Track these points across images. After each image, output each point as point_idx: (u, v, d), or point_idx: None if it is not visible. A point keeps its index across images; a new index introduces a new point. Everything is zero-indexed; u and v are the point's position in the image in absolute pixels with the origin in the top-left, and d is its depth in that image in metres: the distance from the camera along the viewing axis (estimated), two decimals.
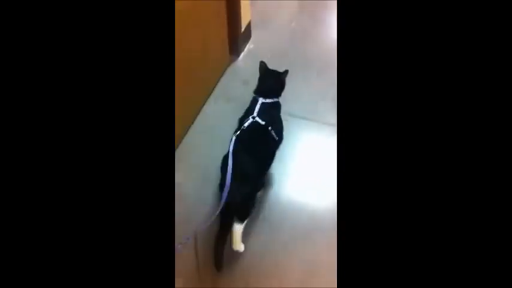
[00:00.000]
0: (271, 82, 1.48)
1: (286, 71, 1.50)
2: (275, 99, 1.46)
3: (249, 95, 1.49)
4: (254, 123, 1.34)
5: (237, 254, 1.28)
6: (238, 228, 1.24)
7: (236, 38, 2.03)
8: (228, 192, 1.17)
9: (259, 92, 1.46)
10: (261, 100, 1.40)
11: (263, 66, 1.51)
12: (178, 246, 0.99)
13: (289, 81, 1.53)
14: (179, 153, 1.61)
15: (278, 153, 1.45)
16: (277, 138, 1.39)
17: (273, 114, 1.42)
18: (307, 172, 1.59)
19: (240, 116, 1.44)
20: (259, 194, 1.38)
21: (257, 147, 1.31)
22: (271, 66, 1.53)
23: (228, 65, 2.07)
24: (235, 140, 1.28)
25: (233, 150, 1.25)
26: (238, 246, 1.25)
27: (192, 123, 1.78)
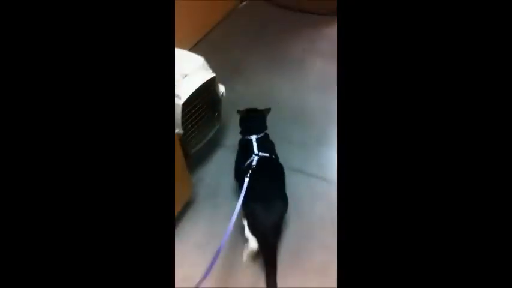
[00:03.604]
0: (256, 119, 1.52)
1: (269, 109, 1.57)
2: (265, 132, 1.50)
3: None
4: (261, 159, 1.37)
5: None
6: (253, 247, 1.23)
7: None
8: (255, 229, 1.20)
9: (248, 131, 1.48)
10: (254, 137, 1.44)
11: (242, 112, 1.55)
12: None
13: None
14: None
15: None
16: (281, 163, 1.45)
17: (269, 145, 1.48)
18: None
19: (234, 163, 1.48)
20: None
21: (271, 177, 1.35)
22: None
23: None
24: (249, 180, 1.27)
25: (249, 187, 1.25)
26: (246, 258, 1.30)
27: None
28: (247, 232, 1.21)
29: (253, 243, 1.20)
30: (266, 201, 1.23)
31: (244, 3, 2.80)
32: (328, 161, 1.69)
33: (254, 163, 1.34)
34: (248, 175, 1.28)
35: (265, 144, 1.45)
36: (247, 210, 1.23)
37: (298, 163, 1.65)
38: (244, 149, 1.45)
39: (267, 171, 1.35)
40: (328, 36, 2.42)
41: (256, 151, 1.39)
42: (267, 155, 1.39)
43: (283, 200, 1.29)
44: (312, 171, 1.63)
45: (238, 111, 1.56)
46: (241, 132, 1.51)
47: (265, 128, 1.52)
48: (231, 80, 1.98)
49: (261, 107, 1.54)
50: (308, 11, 2.59)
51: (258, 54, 2.32)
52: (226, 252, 1.31)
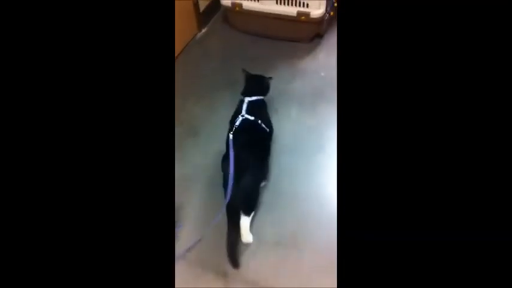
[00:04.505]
0: (256, 83, 1.63)
1: (270, 78, 1.67)
2: (260, 97, 1.57)
3: None
4: (244, 120, 1.43)
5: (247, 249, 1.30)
6: (245, 221, 1.27)
7: None
8: (231, 189, 1.24)
9: (245, 92, 1.58)
10: (246, 99, 1.52)
11: (247, 73, 1.66)
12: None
13: None
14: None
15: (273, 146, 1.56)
16: (267, 130, 1.49)
17: (260, 110, 1.53)
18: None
19: (229, 118, 1.52)
20: (262, 185, 1.43)
21: (252, 141, 1.39)
22: None
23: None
24: (232, 138, 1.36)
25: (232, 148, 1.32)
26: (247, 238, 1.27)
27: None
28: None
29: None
30: (240, 170, 1.28)
31: (203, 31, 2.42)
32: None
33: (237, 123, 1.41)
34: (231, 133, 1.37)
35: (257, 109, 1.50)
36: (223, 166, 1.35)
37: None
38: (237, 109, 1.52)
39: (248, 134, 1.40)
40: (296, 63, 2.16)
41: (243, 112, 1.45)
42: (252, 118, 1.44)
43: (258, 168, 1.37)
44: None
45: (243, 70, 1.67)
46: (241, 92, 1.60)
47: (261, 93, 1.59)
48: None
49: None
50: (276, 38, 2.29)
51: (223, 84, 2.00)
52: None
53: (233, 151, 1.31)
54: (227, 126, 1.47)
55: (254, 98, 1.54)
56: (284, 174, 1.54)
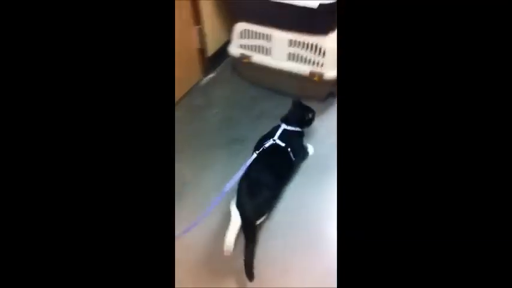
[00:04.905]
0: (297, 112, 1.60)
1: (314, 112, 1.64)
2: (297, 128, 1.56)
3: None
4: (274, 145, 1.43)
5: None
6: (235, 225, 1.24)
7: None
8: (239, 204, 1.26)
9: (285, 120, 1.56)
10: (283, 126, 1.52)
11: (296, 101, 1.63)
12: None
13: None
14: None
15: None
16: (293, 159, 1.49)
17: (292, 140, 1.50)
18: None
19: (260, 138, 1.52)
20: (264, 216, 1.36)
21: (275, 164, 1.39)
22: None
23: None
24: (255, 157, 1.37)
25: (250, 164, 1.34)
26: (227, 245, 1.22)
27: None
28: (232, 204, 1.29)
29: (234, 216, 1.25)
30: (256, 185, 1.30)
31: (210, 76, 2.26)
32: None
33: (266, 145, 1.41)
34: (256, 152, 1.38)
35: (291, 138, 1.49)
36: (239, 184, 1.31)
37: None
38: (271, 132, 1.51)
39: (274, 159, 1.41)
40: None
41: (275, 137, 1.45)
42: (283, 144, 1.44)
43: (274, 191, 1.37)
44: None
45: (293, 100, 1.64)
46: (281, 118, 1.59)
47: (301, 125, 1.59)
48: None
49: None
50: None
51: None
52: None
53: (249, 168, 1.32)
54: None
55: (291, 127, 1.52)
56: None
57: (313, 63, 1.84)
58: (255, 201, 1.26)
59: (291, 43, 1.86)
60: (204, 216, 1.20)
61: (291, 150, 1.46)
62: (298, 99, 1.64)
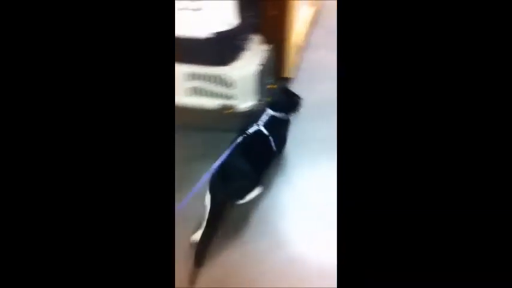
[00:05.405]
0: (285, 99, 1.48)
1: (301, 98, 1.53)
2: (283, 115, 1.45)
3: None
4: (257, 131, 1.37)
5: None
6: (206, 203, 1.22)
7: None
8: (210, 186, 1.23)
9: (272, 105, 1.44)
10: (269, 112, 1.41)
11: (283, 87, 1.55)
12: None
13: None
14: None
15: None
16: (275, 150, 1.44)
17: (278, 128, 1.45)
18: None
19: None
20: (249, 195, 1.33)
21: (253, 152, 1.34)
22: None
23: None
24: (236, 144, 1.31)
25: (230, 152, 1.29)
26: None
27: None
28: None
29: (207, 199, 1.23)
30: (231, 170, 1.26)
31: None
32: None
33: (250, 131, 1.36)
34: (240, 138, 1.33)
35: (275, 125, 1.42)
36: (216, 170, 1.26)
37: None
38: (255, 117, 1.43)
39: (254, 147, 1.35)
40: None
41: (260, 122, 1.39)
42: (267, 133, 1.38)
43: (247, 179, 1.30)
44: None
45: (280, 86, 1.58)
46: (267, 104, 1.49)
47: (287, 111, 1.47)
48: None
49: None
50: None
51: None
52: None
53: (229, 153, 1.28)
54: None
55: (278, 114, 1.42)
56: None
57: (222, 96, 1.66)
58: (225, 186, 1.23)
59: (193, 77, 1.63)
60: (194, 191, 1.18)
61: (273, 140, 1.40)
62: (285, 85, 1.59)
